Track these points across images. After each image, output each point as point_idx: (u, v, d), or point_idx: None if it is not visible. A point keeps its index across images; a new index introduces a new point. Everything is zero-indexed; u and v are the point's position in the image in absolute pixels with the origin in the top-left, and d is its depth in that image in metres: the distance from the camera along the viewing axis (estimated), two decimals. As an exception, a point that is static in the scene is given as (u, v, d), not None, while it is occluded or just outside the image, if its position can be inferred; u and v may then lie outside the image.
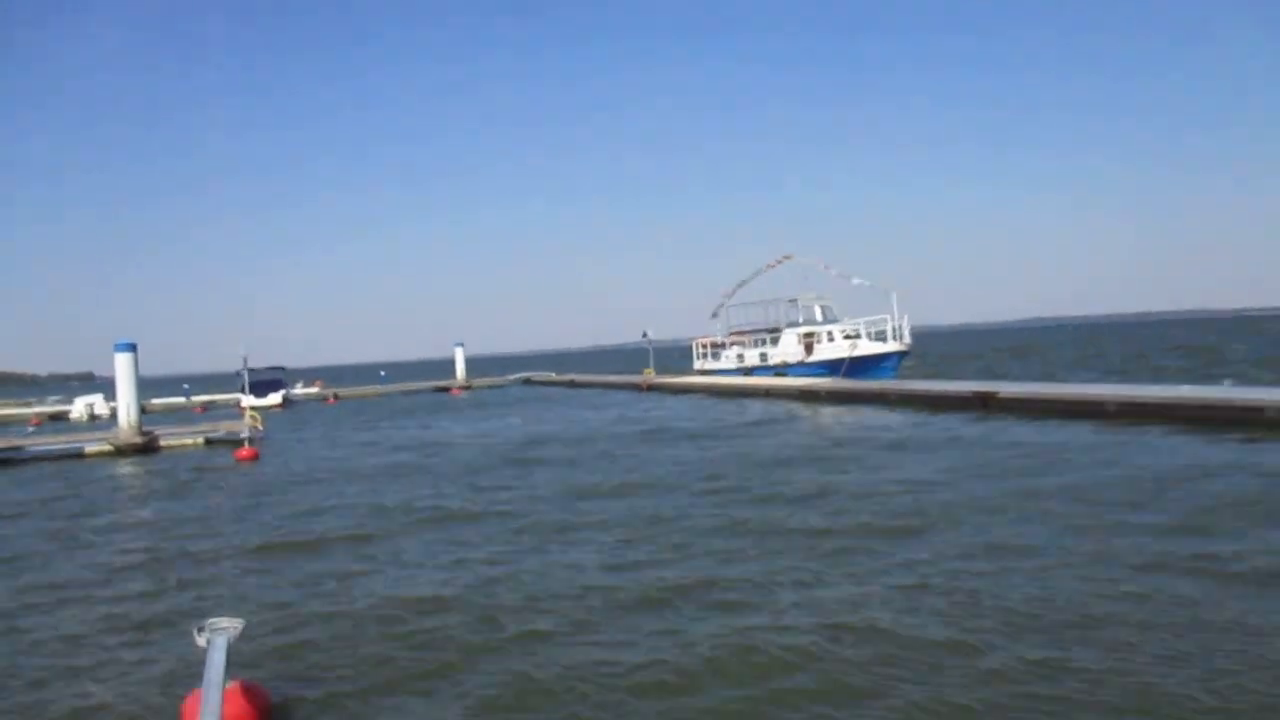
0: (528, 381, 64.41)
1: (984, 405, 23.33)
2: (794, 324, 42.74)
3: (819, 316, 42.38)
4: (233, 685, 5.66)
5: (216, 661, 5.42)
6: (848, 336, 39.18)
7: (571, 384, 56.79)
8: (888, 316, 38.47)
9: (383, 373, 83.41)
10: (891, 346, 38.03)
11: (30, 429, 40.80)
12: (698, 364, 48.65)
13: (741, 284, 47.85)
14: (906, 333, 38.33)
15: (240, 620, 6.13)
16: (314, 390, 60.14)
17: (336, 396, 56.57)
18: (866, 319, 39.34)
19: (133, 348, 27.29)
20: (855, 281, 43.00)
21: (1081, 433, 17.59)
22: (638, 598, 8.18)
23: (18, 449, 26.84)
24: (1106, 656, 6.03)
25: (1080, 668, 5.91)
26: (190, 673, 6.54)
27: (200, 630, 6.00)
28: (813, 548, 9.62)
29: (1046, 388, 24.96)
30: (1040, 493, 11.77)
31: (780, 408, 29.04)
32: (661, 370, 50.06)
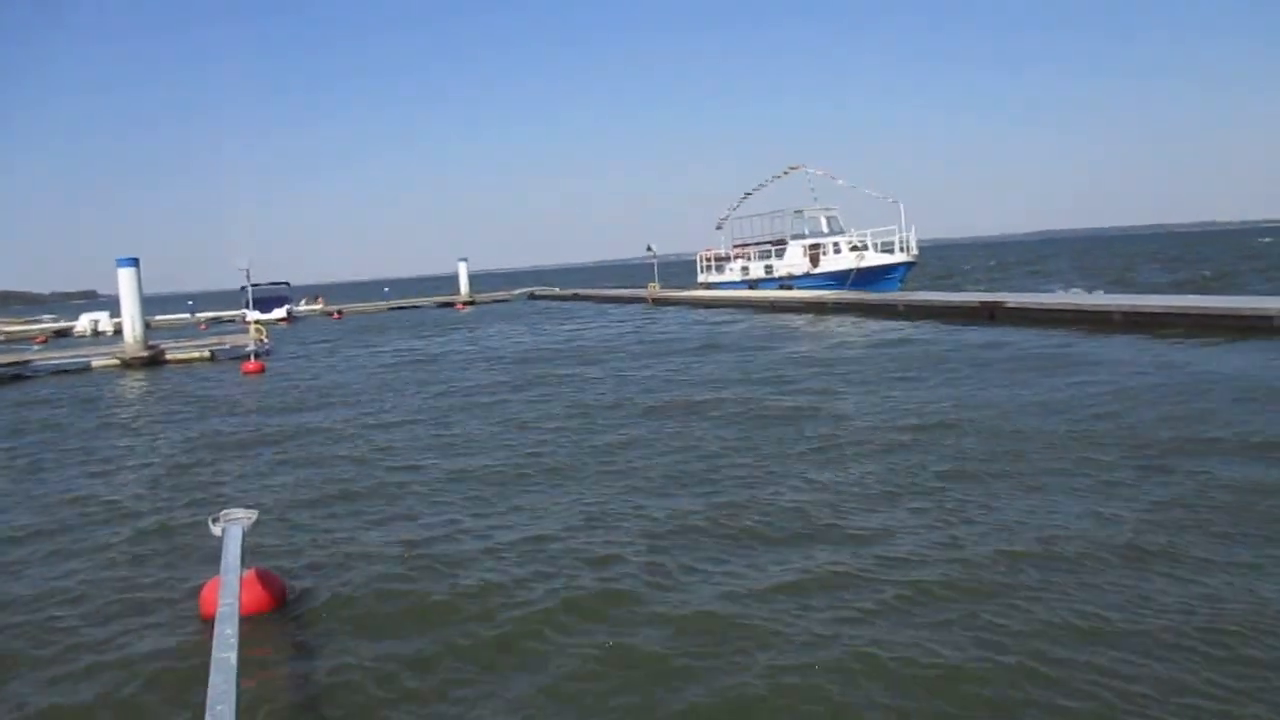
0: (532, 296, 64.31)
1: (990, 315, 23.28)
2: (799, 236, 42.34)
3: (825, 228, 41.92)
4: (249, 572, 5.77)
5: (232, 549, 5.51)
6: (854, 248, 38.79)
7: (576, 298, 56.73)
8: (895, 228, 38.05)
9: (386, 289, 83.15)
10: (899, 258, 37.71)
11: (36, 346, 40.88)
12: (702, 277, 48.36)
13: (747, 195, 47.31)
14: (914, 244, 37.94)
15: (254, 511, 6.22)
16: (317, 307, 59.99)
17: (340, 313, 56.51)
18: (873, 230, 38.91)
19: (135, 262, 27.14)
20: (865, 192, 42.56)
21: (1090, 341, 17.58)
22: (622, 508, 8.28)
23: (25, 364, 26.94)
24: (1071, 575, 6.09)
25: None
26: (206, 563, 6.67)
27: (215, 520, 6.09)
28: (825, 460, 9.66)
29: (1053, 298, 24.85)
30: (1047, 404, 11.84)
31: (785, 319, 29.00)
32: (666, 284, 49.86)
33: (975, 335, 19.91)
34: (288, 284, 56.91)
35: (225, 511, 6.18)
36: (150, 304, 27.75)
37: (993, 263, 74.90)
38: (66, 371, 25.93)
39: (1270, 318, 16.88)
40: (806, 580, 5.89)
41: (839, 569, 6.04)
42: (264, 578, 5.90)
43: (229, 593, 4.89)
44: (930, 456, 9.01)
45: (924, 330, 22.04)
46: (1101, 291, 27.90)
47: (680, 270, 64.77)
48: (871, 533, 6.77)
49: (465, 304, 58.09)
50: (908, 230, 37.76)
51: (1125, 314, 19.68)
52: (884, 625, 5.19)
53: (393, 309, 58.26)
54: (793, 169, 44.80)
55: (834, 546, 6.51)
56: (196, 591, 6.10)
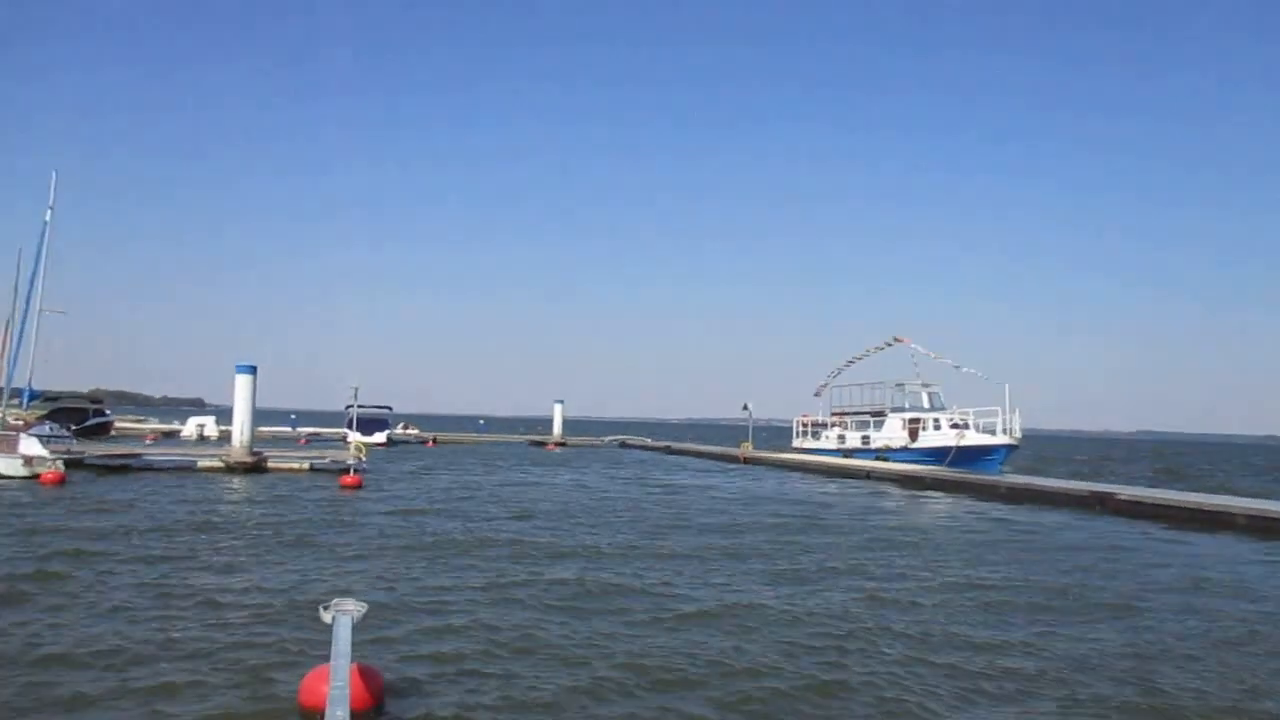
0: (623, 444, 64.41)
1: (1100, 504, 22.34)
2: (899, 409, 41.80)
3: (926, 403, 41.34)
4: (351, 667, 5.64)
5: (342, 637, 5.43)
6: (954, 425, 38.05)
7: (668, 450, 56.56)
8: (998, 409, 37.22)
9: (482, 421, 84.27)
10: (1000, 439, 36.75)
11: (147, 443, 42.47)
12: (797, 442, 47.87)
13: (848, 364, 47.20)
14: (1017, 427, 36.93)
15: (364, 604, 6.14)
16: (413, 432, 61.09)
17: (435, 440, 57.50)
18: (976, 409, 38.13)
19: (253, 370, 28.32)
20: (965, 370, 41.96)
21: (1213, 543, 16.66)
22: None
23: (137, 456, 27.97)
24: None
25: None
26: (305, 656, 6.58)
27: (325, 608, 6.02)
28: (915, 658, 9.06)
29: (1171, 494, 23.76)
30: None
31: (881, 491, 28.33)
32: (759, 446, 49.49)
33: (1084, 526, 19.05)
34: (390, 409, 58.10)
35: (336, 601, 6.11)
36: (254, 414, 28.70)
37: (1083, 456, 72.57)
38: (174, 469, 26.76)
39: None
40: None
41: None
42: (365, 672, 5.75)
43: (339, 677, 4.79)
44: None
45: (1024, 516, 21.19)
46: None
47: (766, 436, 64.41)
48: None
49: (557, 444, 58.50)
50: (1011, 412, 36.89)
51: (1251, 517, 18.63)
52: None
53: (483, 442, 59.05)
54: (896, 340, 44.61)
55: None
56: (297, 682, 5.99)
